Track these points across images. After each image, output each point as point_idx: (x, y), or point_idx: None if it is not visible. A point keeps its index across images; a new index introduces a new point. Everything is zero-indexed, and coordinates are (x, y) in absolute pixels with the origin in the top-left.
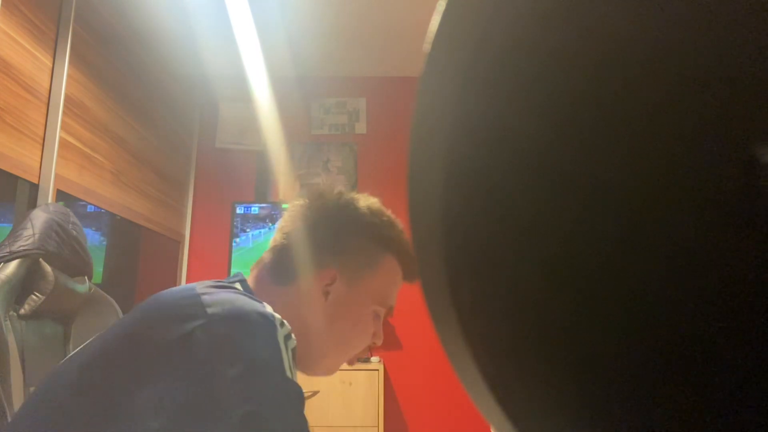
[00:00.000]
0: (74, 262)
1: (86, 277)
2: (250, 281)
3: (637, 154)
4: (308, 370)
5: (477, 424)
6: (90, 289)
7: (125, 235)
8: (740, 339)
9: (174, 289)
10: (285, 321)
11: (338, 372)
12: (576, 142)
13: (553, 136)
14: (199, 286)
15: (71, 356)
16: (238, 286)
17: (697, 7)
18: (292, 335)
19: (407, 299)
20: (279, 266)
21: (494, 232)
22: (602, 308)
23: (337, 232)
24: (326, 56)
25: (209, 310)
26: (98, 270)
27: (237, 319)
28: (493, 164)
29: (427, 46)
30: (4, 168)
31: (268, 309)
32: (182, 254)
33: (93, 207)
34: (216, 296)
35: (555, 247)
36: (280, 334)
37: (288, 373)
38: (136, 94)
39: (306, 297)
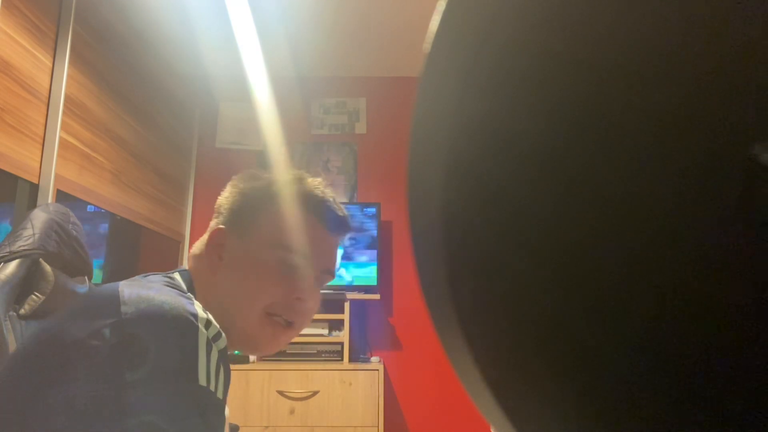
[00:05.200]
0: (74, 262)
1: (86, 277)
2: (190, 268)
3: (639, 158)
4: (237, 346)
5: (477, 424)
6: (90, 289)
7: (125, 235)
8: (743, 344)
9: (108, 284)
10: (212, 320)
11: (338, 372)
12: (578, 143)
13: (554, 137)
14: (127, 281)
15: (14, 351)
16: (177, 276)
17: (701, 9)
18: (222, 334)
19: (407, 299)
20: (198, 242)
21: (494, 232)
22: (604, 308)
23: (231, 193)
24: (326, 56)
25: (123, 309)
26: (98, 270)
27: (149, 319)
28: (493, 165)
29: (427, 46)
30: (4, 168)
31: (195, 308)
32: (182, 254)
33: (93, 207)
34: (136, 292)
35: (556, 247)
36: (203, 336)
37: (201, 380)
38: (136, 94)
39: (206, 264)
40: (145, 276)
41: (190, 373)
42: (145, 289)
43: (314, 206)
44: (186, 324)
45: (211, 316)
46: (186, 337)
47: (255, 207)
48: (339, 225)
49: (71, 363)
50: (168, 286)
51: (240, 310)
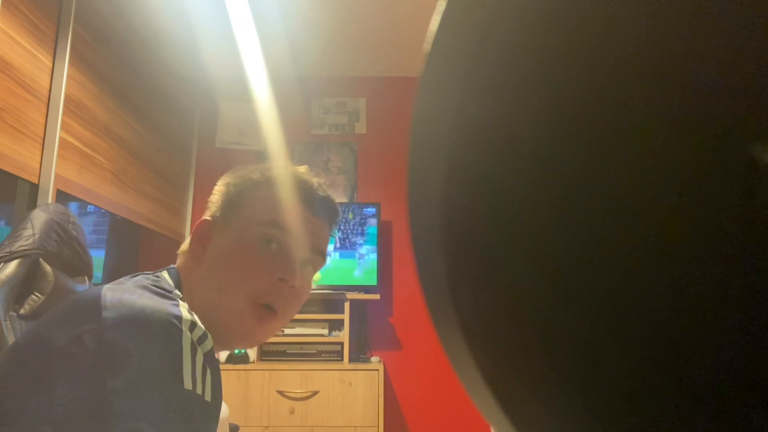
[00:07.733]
0: (74, 262)
1: (86, 278)
2: (178, 265)
3: (638, 158)
4: (222, 341)
5: (477, 424)
6: (75, 293)
7: (125, 235)
8: (745, 345)
9: (93, 287)
10: (198, 321)
11: (338, 372)
12: (578, 143)
13: (555, 137)
14: (112, 284)
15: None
16: (165, 275)
17: (701, 10)
18: (208, 335)
19: (407, 299)
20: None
21: (495, 232)
22: (605, 308)
23: (219, 187)
24: (326, 56)
25: (104, 314)
26: (98, 270)
27: (131, 324)
28: (493, 165)
29: (427, 46)
30: (4, 168)
31: (179, 310)
32: None
33: (93, 207)
34: (118, 297)
35: (557, 248)
36: (186, 339)
37: (187, 384)
38: (136, 94)
39: (191, 257)
40: (132, 276)
41: (174, 377)
42: (128, 294)
43: (298, 189)
44: (168, 327)
45: (196, 317)
46: (169, 341)
47: (241, 193)
48: (322, 207)
49: (53, 371)
50: (154, 286)
51: (222, 299)
